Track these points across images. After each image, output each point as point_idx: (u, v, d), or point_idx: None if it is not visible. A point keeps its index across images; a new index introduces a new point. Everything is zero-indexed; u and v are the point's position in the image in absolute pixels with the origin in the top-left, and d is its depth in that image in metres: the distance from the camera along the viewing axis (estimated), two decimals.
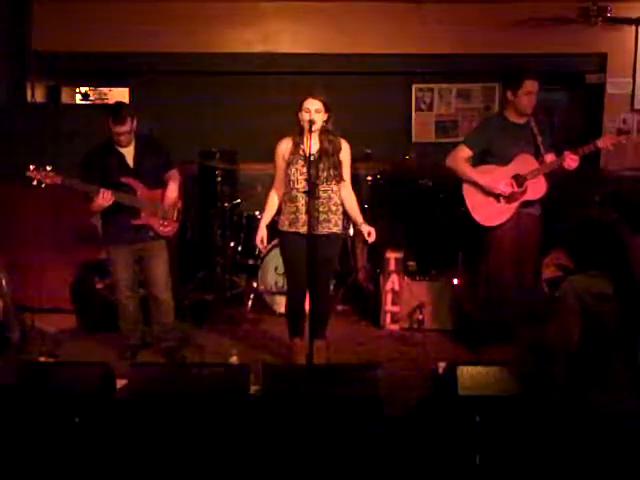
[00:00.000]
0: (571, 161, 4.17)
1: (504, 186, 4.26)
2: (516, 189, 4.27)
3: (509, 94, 4.30)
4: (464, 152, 4.36)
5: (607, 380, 2.80)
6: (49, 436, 2.79)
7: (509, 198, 4.29)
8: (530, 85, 4.23)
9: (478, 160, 4.42)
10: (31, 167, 3.89)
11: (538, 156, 4.30)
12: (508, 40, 6.22)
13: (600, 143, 4.20)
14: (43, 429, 2.80)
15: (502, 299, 4.37)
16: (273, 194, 4.19)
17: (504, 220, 4.31)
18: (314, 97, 3.94)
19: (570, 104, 6.71)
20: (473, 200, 4.36)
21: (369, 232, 4.03)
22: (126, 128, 4.08)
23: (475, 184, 4.33)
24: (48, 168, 3.91)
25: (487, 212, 4.33)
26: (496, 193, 4.28)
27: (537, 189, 4.28)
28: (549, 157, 4.29)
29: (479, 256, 4.56)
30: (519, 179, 4.27)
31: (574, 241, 3.02)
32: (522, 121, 4.33)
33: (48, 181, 3.91)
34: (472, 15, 6.21)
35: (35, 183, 3.89)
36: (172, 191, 4.24)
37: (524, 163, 4.27)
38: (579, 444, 2.75)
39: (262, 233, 4.16)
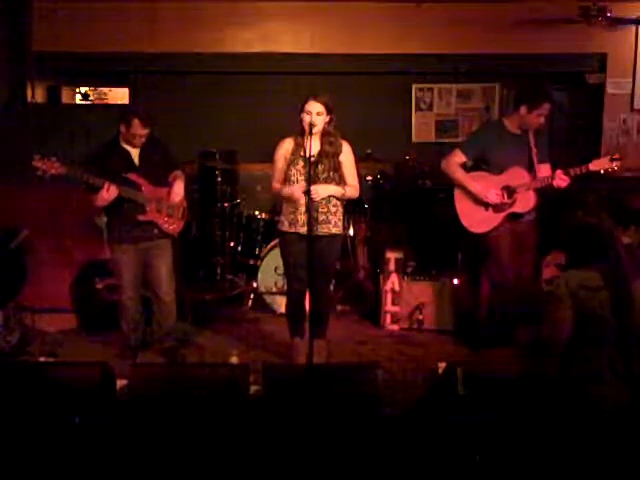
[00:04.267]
0: (561, 181, 4.17)
1: (493, 195, 4.28)
2: (505, 200, 4.29)
3: (523, 109, 4.25)
4: (458, 157, 4.39)
5: (604, 374, 2.81)
6: (49, 436, 2.79)
7: (497, 208, 4.32)
8: (546, 108, 4.23)
9: (473, 165, 4.44)
10: (36, 157, 3.89)
11: (531, 169, 4.30)
12: (508, 40, 6.22)
13: (592, 166, 4.16)
14: (43, 429, 2.80)
15: (504, 302, 4.39)
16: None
17: (489, 228, 4.35)
18: (316, 99, 3.93)
19: (570, 104, 6.70)
20: (462, 205, 4.41)
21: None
22: (148, 131, 4.13)
23: (466, 190, 4.36)
24: (53, 158, 3.91)
25: (475, 218, 4.38)
26: (484, 201, 4.31)
27: (525, 202, 4.30)
28: (542, 170, 4.29)
29: (479, 259, 4.58)
30: (509, 190, 4.29)
31: (572, 239, 3.05)
32: (520, 131, 4.32)
33: (53, 171, 3.90)
34: (472, 15, 6.21)
35: (40, 173, 3.89)
36: (179, 188, 4.26)
37: (516, 175, 4.29)
38: (579, 442, 2.76)
39: None
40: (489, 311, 4.53)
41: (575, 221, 3.04)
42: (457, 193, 4.42)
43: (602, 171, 4.17)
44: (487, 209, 4.34)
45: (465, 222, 4.41)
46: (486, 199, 4.29)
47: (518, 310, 4.46)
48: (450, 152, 4.45)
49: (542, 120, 4.26)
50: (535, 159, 4.27)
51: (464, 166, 4.42)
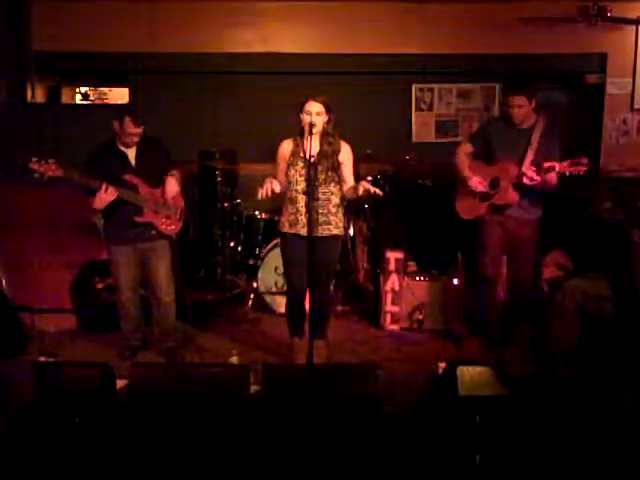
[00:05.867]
0: (528, 179, 4.11)
1: (475, 183, 4.35)
2: (488, 190, 4.33)
3: (504, 103, 4.39)
4: (466, 147, 4.51)
5: (609, 380, 2.81)
6: (49, 436, 2.79)
7: (482, 197, 4.38)
8: (514, 100, 4.21)
9: (477, 157, 4.48)
10: (33, 159, 3.88)
11: (521, 164, 4.21)
12: (508, 40, 6.22)
13: (558, 167, 4.04)
14: (43, 429, 2.80)
15: (487, 297, 4.49)
16: None
17: (475, 216, 4.43)
18: (315, 99, 3.93)
19: (570, 104, 6.70)
20: (460, 191, 4.53)
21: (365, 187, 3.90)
22: (142, 129, 4.13)
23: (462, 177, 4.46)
24: (51, 161, 3.90)
25: (465, 205, 4.50)
26: (470, 188, 4.38)
27: (504, 196, 4.28)
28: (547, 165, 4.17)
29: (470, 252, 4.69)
30: (494, 182, 4.32)
31: (577, 239, 3.04)
32: (524, 126, 4.29)
33: (50, 173, 3.89)
34: (472, 15, 6.21)
35: (37, 176, 3.87)
36: (172, 186, 4.24)
37: (504, 168, 4.27)
38: (580, 443, 2.76)
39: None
40: (475, 306, 4.62)
41: (594, 212, 3.01)
42: (460, 180, 4.51)
43: (567, 173, 4.03)
44: (475, 197, 4.41)
45: (458, 206, 4.53)
46: (469, 184, 4.37)
47: (516, 309, 4.50)
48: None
49: (519, 112, 4.20)
50: (530, 155, 4.21)
51: (470, 157, 4.48)
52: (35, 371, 3.03)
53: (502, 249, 4.44)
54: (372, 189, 3.85)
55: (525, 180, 4.13)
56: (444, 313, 4.98)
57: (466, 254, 5.11)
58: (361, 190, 3.90)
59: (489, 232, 4.40)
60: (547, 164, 4.10)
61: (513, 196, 4.26)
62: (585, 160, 3.97)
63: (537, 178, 4.10)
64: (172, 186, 4.24)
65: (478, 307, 4.58)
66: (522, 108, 4.21)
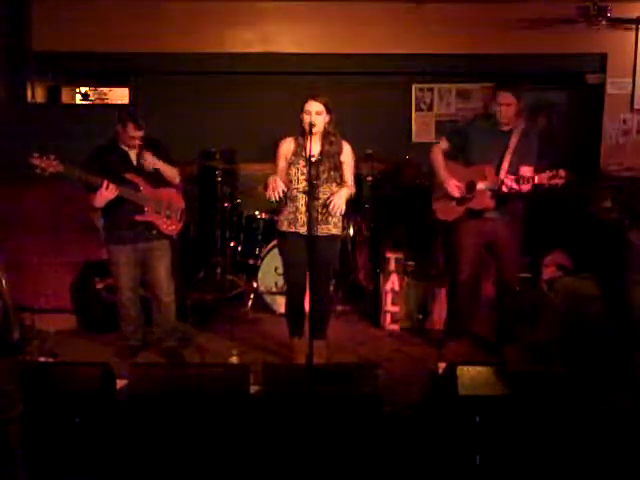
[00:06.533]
0: (506, 187, 4.08)
1: (453, 187, 4.28)
2: (464, 194, 4.27)
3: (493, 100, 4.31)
4: (443, 143, 4.41)
5: (608, 380, 2.82)
6: (49, 436, 2.80)
7: (459, 200, 4.31)
8: (502, 97, 4.15)
9: (455, 155, 4.41)
10: (35, 155, 3.87)
11: (499, 168, 4.18)
12: (508, 40, 6.21)
13: (537, 179, 3.99)
14: (43, 429, 2.80)
15: (466, 300, 4.45)
16: None
17: (451, 219, 4.36)
18: (315, 99, 3.93)
19: (570, 104, 6.71)
20: (436, 192, 4.45)
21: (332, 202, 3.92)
22: (142, 133, 4.14)
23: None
24: (52, 156, 3.90)
25: (442, 206, 4.42)
26: (445, 190, 4.32)
27: (480, 200, 4.23)
28: (522, 172, 4.10)
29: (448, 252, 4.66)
30: (470, 185, 4.25)
31: (576, 239, 3.05)
32: (506, 128, 4.22)
33: (51, 169, 3.87)
34: (472, 15, 6.21)
35: (38, 171, 3.87)
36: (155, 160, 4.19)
37: (480, 172, 4.22)
38: (579, 443, 2.76)
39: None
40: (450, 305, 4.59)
41: (593, 212, 3.02)
42: (435, 183, 4.44)
43: (546, 185, 3.98)
44: (451, 200, 4.34)
45: (435, 206, 4.45)
46: (447, 188, 4.29)
47: (507, 309, 4.50)
48: None
49: (507, 110, 4.14)
50: (508, 158, 4.16)
51: (446, 154, 4.39)
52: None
53: (481, 251, 4.38)
54: (333, 206, 3.88)
55: (503, 188, 4.08)
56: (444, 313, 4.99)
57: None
58: (331, 207, 3.91)
59: (465, 235, 4.32)
60: (527, 174, 4.04)
61: (490, 201, 4.20)
62: (563, 173, 3.90)
63: (515, 187, 4.05)
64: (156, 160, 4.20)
65: (458, 309, 4.51)
66: (510, 107, 4.13)
